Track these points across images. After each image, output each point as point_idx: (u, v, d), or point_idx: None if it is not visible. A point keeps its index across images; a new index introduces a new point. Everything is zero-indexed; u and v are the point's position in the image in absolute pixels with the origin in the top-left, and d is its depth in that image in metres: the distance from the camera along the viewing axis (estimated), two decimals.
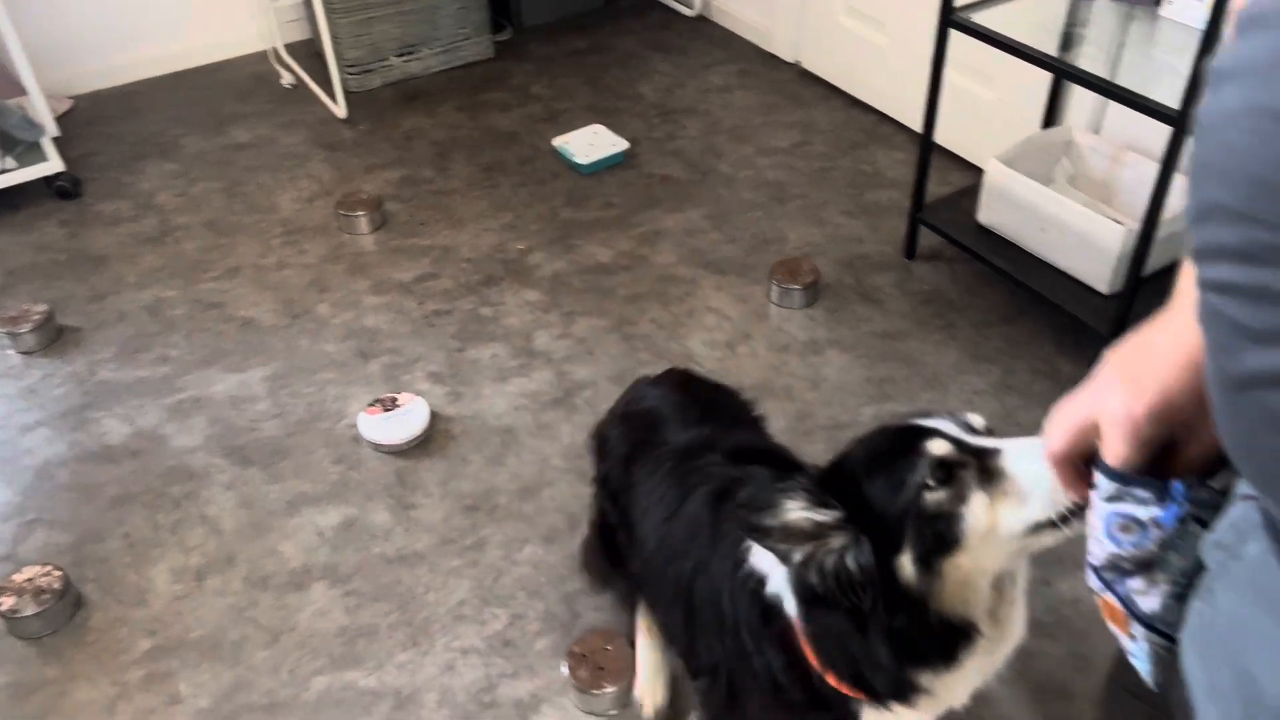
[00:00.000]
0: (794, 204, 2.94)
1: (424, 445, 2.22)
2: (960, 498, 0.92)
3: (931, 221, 2.60)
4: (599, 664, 1.74)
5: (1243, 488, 0.67)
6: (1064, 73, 2.29)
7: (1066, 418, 0.76)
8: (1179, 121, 1.90)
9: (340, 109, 3.38)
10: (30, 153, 2.96)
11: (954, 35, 2.30)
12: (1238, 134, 0.46)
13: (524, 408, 2.31)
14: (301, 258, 2.80)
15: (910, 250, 2.69)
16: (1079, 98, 2.60)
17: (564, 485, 2.12)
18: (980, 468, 0.93)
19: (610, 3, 4.09)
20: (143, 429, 2.28)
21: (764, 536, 0.97)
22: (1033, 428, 1.98)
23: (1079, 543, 0.86)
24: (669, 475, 1.38)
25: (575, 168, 3.09)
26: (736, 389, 1.68)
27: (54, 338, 2.53)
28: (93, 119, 3.43)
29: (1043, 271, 2.38)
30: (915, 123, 2.94)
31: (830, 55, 3.45)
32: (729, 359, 2.42)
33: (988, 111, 2.87)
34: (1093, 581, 0.83)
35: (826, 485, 0.98)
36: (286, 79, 3.61)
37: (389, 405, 2.25)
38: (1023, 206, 2.39)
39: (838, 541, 0.95)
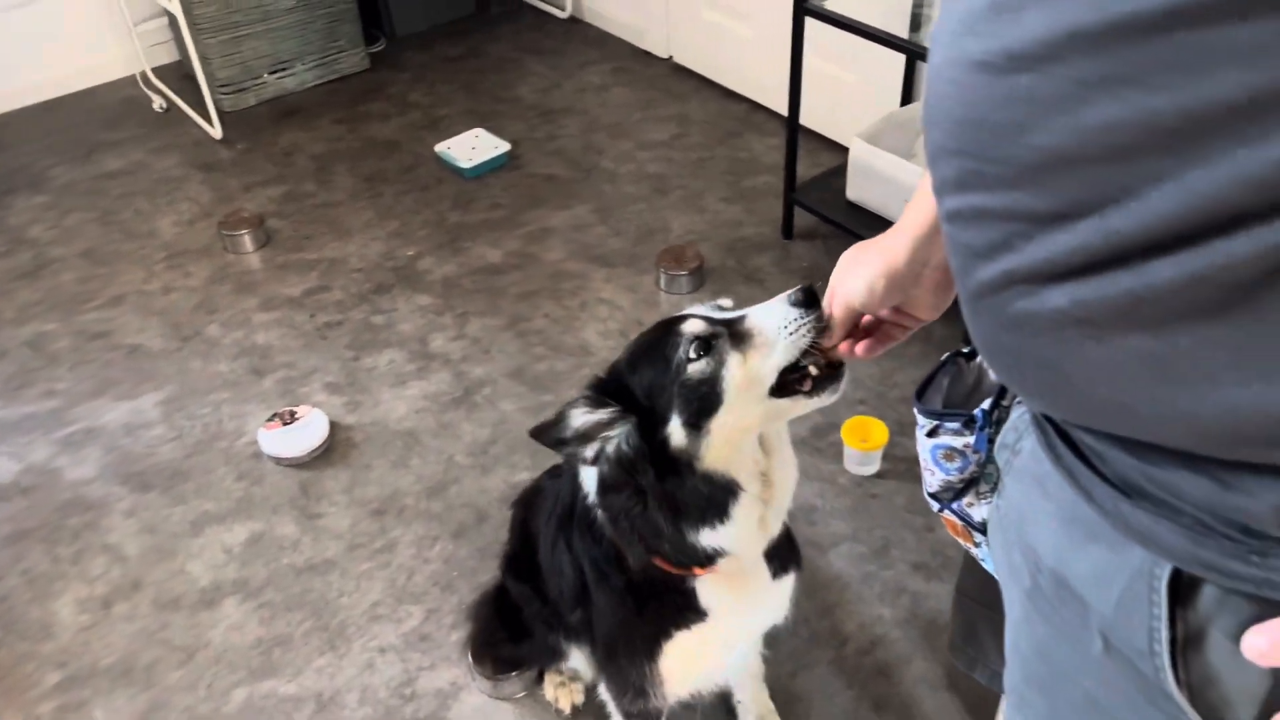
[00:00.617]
0: (675, 194, 3.03)
1: (326, 455, 2.24)
2: (719, 362, 1.04)
3: (805, 201, 2.73)
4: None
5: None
6: (914, 52, 2.43)
7: (830, 293, 0.94)
8: None
9: (215, 130, 3.34)
10: None
11: (811, 23, 2.42)
12: (943, 85, 0.55)
13: (425, 410, 2.35)
14: (187, 280, 2.77)
15: (787, 230, 2.81)
16: None
17: (469, 481, 2.17)
18: (731, 334, 1.05)
19: (482, 9, 4.13)
20: (33, 464, 2.24)
21: (563, 446, 1.08)
22: (908, 387, 2.15)
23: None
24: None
25: (459, 172, 3.13)
26: None
27: None
28: None
29: None
30: (784, 109, 3.06)
31: (700, 49, 3.56)
32: (623, 347, 2.49)
33: (849, 93, 3.01)
34: (932, 505, 0.94)
35: (604, 389, 1.11)
36: (158, 103, 3.55)
37: (287, 419, 2.26)
38: (887, 180, 2.52)
39: (616, 431, 1.07)
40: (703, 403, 1.04)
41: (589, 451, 1.08)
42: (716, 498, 1.08)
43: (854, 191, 2.64)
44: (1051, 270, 0.51)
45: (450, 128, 3.34)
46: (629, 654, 1.30)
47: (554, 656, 1.64)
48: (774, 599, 1.34)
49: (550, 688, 1.74)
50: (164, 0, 3.18)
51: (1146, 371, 0.50)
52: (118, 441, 2.30)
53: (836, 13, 2.38)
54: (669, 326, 1.09)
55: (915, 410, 0.88)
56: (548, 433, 1.08)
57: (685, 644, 1.27)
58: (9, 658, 1.86)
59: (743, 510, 1.10)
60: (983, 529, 0.89)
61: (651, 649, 1.28)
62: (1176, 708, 0.59)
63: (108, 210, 3.06)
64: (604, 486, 1.12)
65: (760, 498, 1.12)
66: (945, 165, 0.56)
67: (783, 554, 1.30)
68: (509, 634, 1.71)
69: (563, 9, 4.03)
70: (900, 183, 2.48)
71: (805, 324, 0.99)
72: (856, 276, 0.88)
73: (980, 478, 0.87)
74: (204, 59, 3.32)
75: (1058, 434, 0.63)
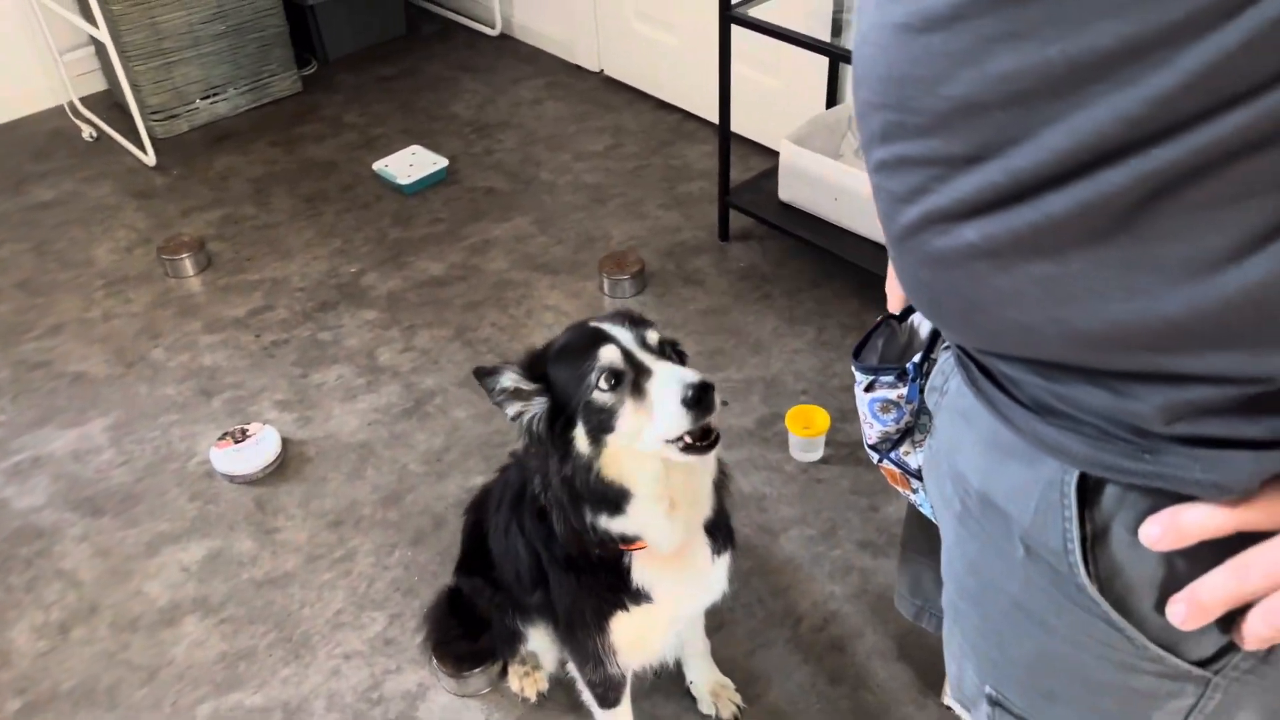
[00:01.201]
0: (614, 202, 3.10)
1: (280, 471, 2.26)
2: (620, 399, 1.16)
3: (739, 204, 2.81)
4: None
5: (946, 341, 0.85)
6: (837, 56, 2.53)
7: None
8: None
9: (149, 157, 3.33)
10: None
11: (737, 31, 2.51)
12: (869, 47, 0.62)
13: (377, 422, 2.37)
14: (128, 307, 2.76)
15: (724, 233, 2.90)
16: None
17: (425, 489, 2.20)
18: (634, 381, 1.16)
19: (413, 29, 4.17)
20: None
21: (492, 393, 1.22)
22: (847, 377, 2.23)
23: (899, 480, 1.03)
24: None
25: (398, 189, 3.16)
26: None
27: None
28: None
29: (842, 238, 2.62)
30: (715, 117, 3.15)
31: (630, 61, 3.65)
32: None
33: (776, 98, 3.11)
34: (873, 457, 1.01)
35: (535, 364, 1.24)
36: (87, 132, 3.53)
37: (239, 437, 2.27)
38: (816, 180, 2.62)
39: (536, 405, 1.21)
40: (601, 424, 1.17)
41: (511, 410, 1.22)
42: (610, 496, 1.20)
43: (785, 192, 2.73)
44: (964, 208, 0.58)
45: (387, 146, 3.37)
46: (583, 627, 1.38)
47: (513, 640, 1.69)
48: (711, 578, 1.42)
49: (515, 679, 1.77)
50: (92, 29, 3.17)
51: (1046, 294, 0.57)
52: (66, 468, 2.28)
53: (761, 20, 2.47)
54: (594, 340, 1.19)
55: (853, 368, 0.95)
56: (485, 378, 1.22)
57: (630, 618, 1.35)
58: None
59: (639, 508, 1.21)
60: (919, 475, 0.96)
61: (600, 623, 1.36)
62: (1090, 599, 0.66)
63: (42, 241, 3.03)
64: (526, 448, 1.26)
65: (657, 500, 1.22)
66: (872, 119, 0.63)
67: (719, 535, 1.38)
68: (465, 630, 1.75)
69: (493, 27, 4.08)
70: (829, 182, 2.58)
71: (685, 421, 1.11)
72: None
73: (915, 427, 0.94)
74: (134, 86, 3.31)
75: (978, 368, 0.70)
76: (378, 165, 3.22)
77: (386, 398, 2.44)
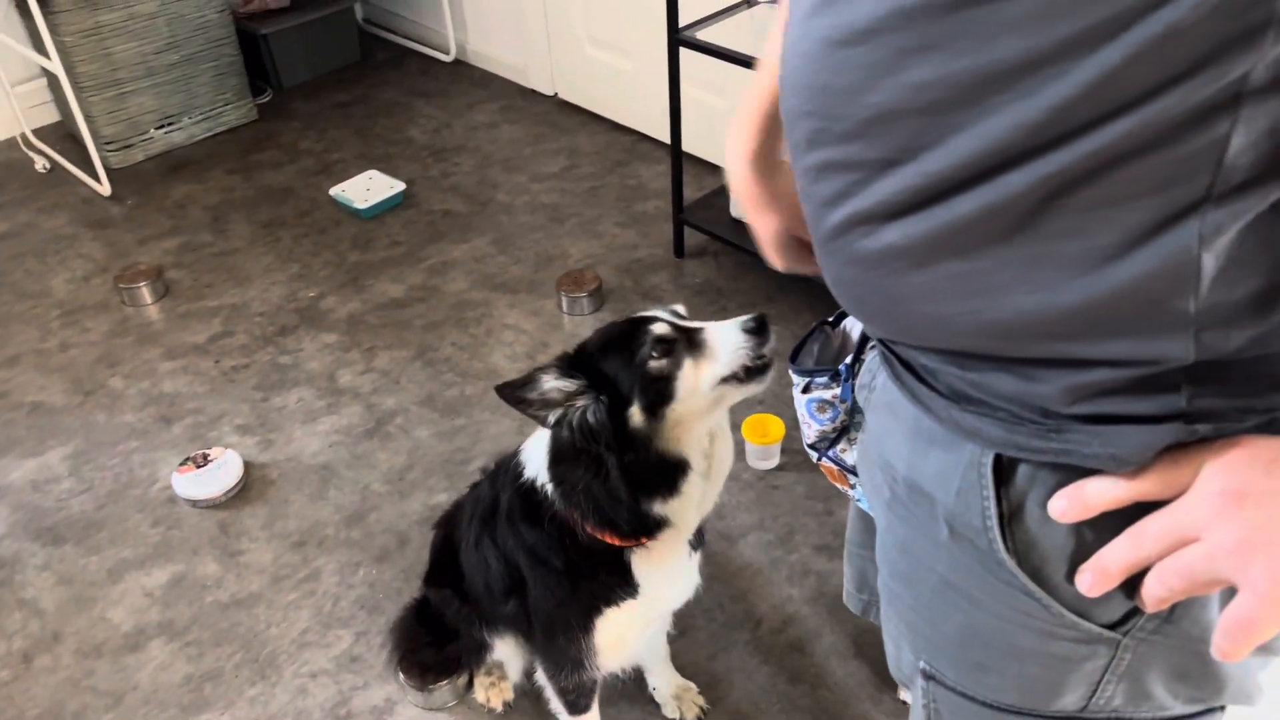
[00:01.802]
0: (571, 222, 3.15)
1: (243, 494, 2.27)
2: (676, 364, 1.21)
3: (693, 221, 2.88)
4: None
5: (873, 341, 0.90)
6: None
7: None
8: None
9: (104, 187, 3.33)
10: None
11: (686, 53, 2.58)
12: (796, 58, 0.66)
13: (338, 443, 2.39)
14: (85, 336, 2.76)
15: (679, 249, 2.96)
16: None
17: (388, 508, 2.22)
18: (688, 341, 1.23)
19: (367, 56, 4.21)
20: None
21: (527, 406, 1.21)
22: None
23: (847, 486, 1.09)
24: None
25: (356, 213, 3.19)
26: None
27: None
28: None
29: None
30: (667, 137, 3.22)
31: (584, 84, 3.71)
32: (531, 368, 2.58)
33: (725, 117, 3.17)
34: (813, 456, 1.06)
35: (572, 364, 1.24)
36: (40, 163, 3.52)
37: (201, 461, 2.28)
38: None
39: (582, 402, 1.20)
40: (659, 394, 1.20)
41: (551, 416, 1.21)
42: (669, 473, 1.23)
43: (737, 209, 2.80)
44: (884, 210, 0.63)
45: (344, 171, 3.40)
46: (566, 630, 1.41)
47: (480, 650, 1.71)
48: (689, 574, 1.48)
49: (481, 690, 1.80)
50: (44, 61, 3.17)
51: (958, 289, 0.63)
52: (25, 498, 2.28)
53: (709, 42, 2.54)
54: (638, 324, 1.25)
55: (790, 371, 1.00)
56: (514, 390, 1.21)
57: (616, 617, 1.40)
58: None
59: (690, 485, 1.25)
60: (855, 471, 1.01)
61: (586, 624, 1.40)
62: (1009, 573, 0.71)
63: None
64: (559, 456, 1.25)
65: (704, 475, 1.26)
66: (799, 126, 0.68)
67: (696, 532, 1.43)
68: (432, 638, 1.78)
69: (447, 52, 4.13)
70: None
71: (749, 348, 1.19)
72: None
73: (850, 426, 1.00)
74: (88, 117, 3.31)
75: (900, 363, 0.76)
76: (335, 190, 3.24)
77: (348, 419, 2.46)
